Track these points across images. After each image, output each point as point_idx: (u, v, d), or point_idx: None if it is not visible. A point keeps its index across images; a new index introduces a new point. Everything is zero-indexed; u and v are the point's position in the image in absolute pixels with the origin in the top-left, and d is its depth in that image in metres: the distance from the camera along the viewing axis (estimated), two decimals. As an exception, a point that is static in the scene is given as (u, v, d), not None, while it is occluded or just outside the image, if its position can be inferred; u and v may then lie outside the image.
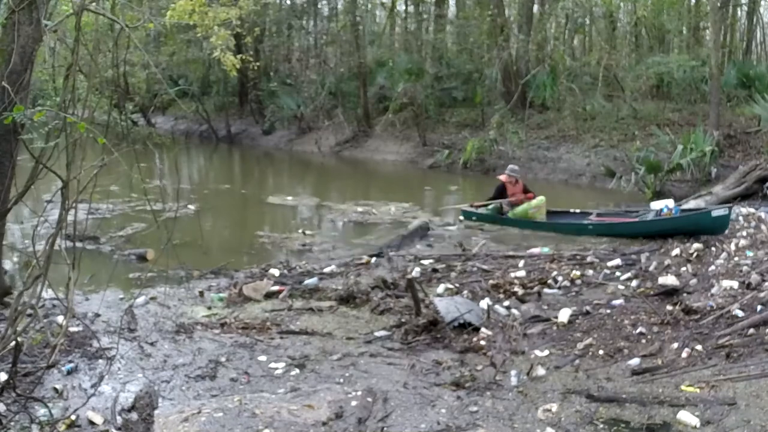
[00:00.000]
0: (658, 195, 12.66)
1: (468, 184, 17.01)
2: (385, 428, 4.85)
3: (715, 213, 10.28)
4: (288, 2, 26.54)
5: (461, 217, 12.13)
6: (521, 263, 9.00)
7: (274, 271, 8.79)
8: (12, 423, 4.66)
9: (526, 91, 19.04)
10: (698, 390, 5.11)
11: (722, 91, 16.38)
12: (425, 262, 9.23)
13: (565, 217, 11.65)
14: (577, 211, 11.86)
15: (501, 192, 11.77)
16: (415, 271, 8.73)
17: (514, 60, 19.75)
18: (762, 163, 12.97)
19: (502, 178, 11.84)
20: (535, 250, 9.82)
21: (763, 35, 23.28)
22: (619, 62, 20.10)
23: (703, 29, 21.94)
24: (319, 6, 26.47)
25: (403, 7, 26.54)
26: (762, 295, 6.68)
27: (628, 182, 13.37)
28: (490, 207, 11.97)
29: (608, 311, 6.99)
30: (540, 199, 11.54)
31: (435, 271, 8.82)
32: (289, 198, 15.01)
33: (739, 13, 22.61)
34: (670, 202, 11.86)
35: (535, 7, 21.54)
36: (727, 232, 9.87)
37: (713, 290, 7.18)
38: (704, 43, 21.24)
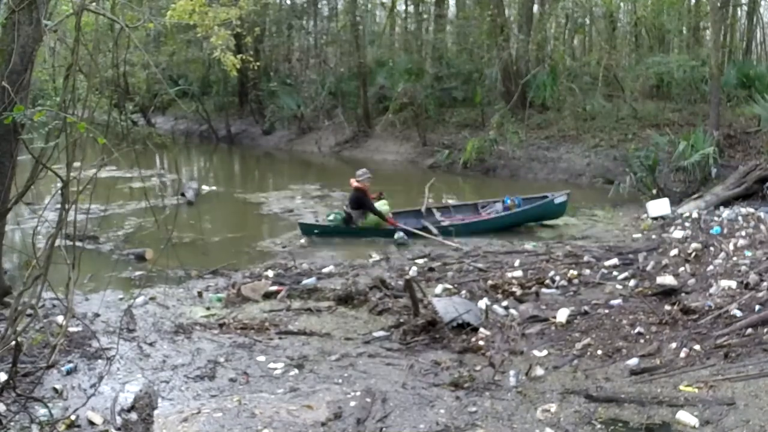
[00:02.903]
0: (657, 195, 12.65)
1: (468, 184, 17.01)
2: (384, 428, 4.86)
3: (558, 200, 11.38)
4: (288, 2, 26.54)
5: (301, 232, 11.08)
6: (517, 262, 9.04)
7: (270, 272, 8.81)
8: (12, 423, 4.67)
9: (526, 91, 19.04)
10: (697, 390, 5.11)
11: (722, 91, 16.36)
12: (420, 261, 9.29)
13: (417, 218, 11.29)
14: (417, 209, 11.53)
15: (363, 202, 10.93)
16: (412, 270, 8.76)
17: (514, 60, 19.74)
18: (762, 163, 12.94)
19: (361, 185, 10.92)
20: (528, 247, 10.02)
21: (763, 35, 23.27)
22: (619, 62, 20.10)
23: (703, 29, 21.94)
24: (319, 6, 26.45)
25: (403, 7, 26.54)
26: (760, 294, 6.68)
27: (625, 184, 13.36)
28: (331, 218, 11.17)
29: (606, 311, 6.99)
30: (387, 205, 11.10)
31: (431, 269, 8.86)
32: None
33: (739, 13, 22.60)
34: (665, 202, 11.90)
35: (535, 7, 21.52)
36: (725, 231, 9.86)
37: (712, 290, 7.17)
38: (704, 43, 21.24)
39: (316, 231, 10.99)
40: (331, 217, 11.29)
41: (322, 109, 22.36)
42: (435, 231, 10.68)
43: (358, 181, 10.99)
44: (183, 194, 14.12)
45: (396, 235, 10.60)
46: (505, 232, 11.07)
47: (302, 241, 11.01)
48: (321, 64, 25.01)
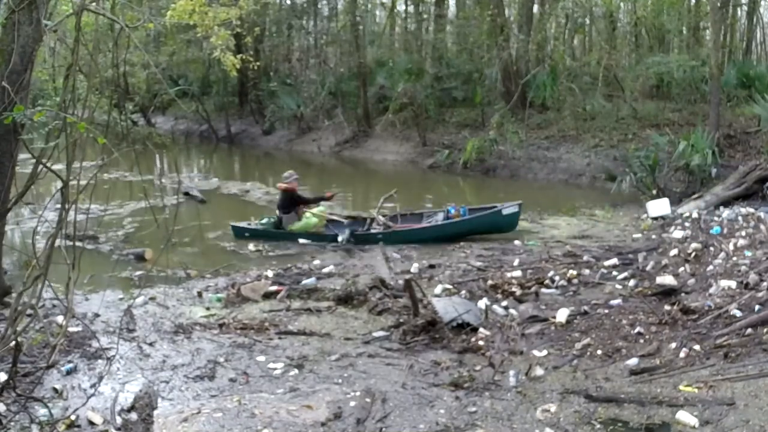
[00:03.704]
0: (657, 195, 12.65)
1: (468, 184, 17.02)
2: (383, 429, 4.86)
3: (506, 211, 10.73)
4: (288, 2, 26.55)
5: (233, 235, 11.02)
6: (516, 262, 9.04)
7: (269, 272, 8.81)
8: (12, 423, 4.67)
9: (526, 91, 19.03)
10: (696, 390, 5.11)
11: (722, 91, 16.34)
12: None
13: (362, 226, 11.24)
14: (340, 219, 11.50)
15: (296, 199, 11.03)
16: (414, 267, 8.77)
17: (514, 60, 19.73)
18: (762, 163, 12.94)
19: (288, 186, 10.99)
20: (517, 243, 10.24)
21: (763, 35, 23.26)
22: (619, 62, 20.09)
23: (703, 29, 21.92)
24: (319, 6, 26.46)
25: (403, 7, 26.53)
26: (760, 294, 6.68)
27: (626, 182, 13.38)
28: (264, 222, 11.24)
29: (606, 311, 6.99)
30: (323, 209, 11.22)
31: (431, 266, 8.87)
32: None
33: (739, 13, 22.58)
34: (665, 202, 11.89)
35: (535, 7, 21.52)
36: (725, 231, 9.87)
37: (711, 290, 7.17)
38: (704, 43, 21.21)
39: (246, 234, 10.99)
40: (264, 221, 11.36)
41: (322, 109, 22.36)
42: (348, 238, 10.53)
43: (285, 183, 11.09)
44: (187, 193, 14.17)
45: (340, 238, 10.56)
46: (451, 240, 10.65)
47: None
48: (321, 64, 25.01)
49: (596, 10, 21.38)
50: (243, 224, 11.34)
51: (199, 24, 14.21)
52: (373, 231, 10.98)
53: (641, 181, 13.40)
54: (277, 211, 11.35)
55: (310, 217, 11.09)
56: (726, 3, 19.52)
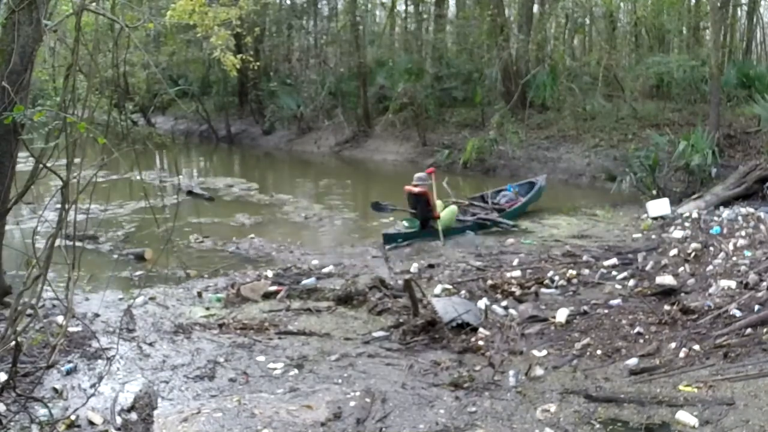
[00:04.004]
0: (657, 195, 12.65)
1: (468, 184, 17.00)
2: (383, 429, 4.87)
3: (543, 183, 13.21)
4: (288, 2, 26.55)
5: (384, 242, 10.57)
6: (516, 262, 9.04)
7: (269, 272, 8.81)
8: (12, 423, 4.67)
9: (526, 91, 19.03)
10: (696, 390, 5.12)
11: (722, 91, 16.32)
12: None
13: (463, 213, 11.88)
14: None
15: (428, 203, 10.84)
16: (413, 267, 8.76)
17: (514, 60, 19.72)
18: (762, 163, 12.94)
19: (420, 189, 10.84)
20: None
21: (763, 35, 23.25)
22: (619, 62, 20.08)
23: (703, 29, 21.90)
24: (319, 6, 26.44)
25: (403, 7, 26.53)
26: (760, 294, 6.69)
27: (626, 183, 13.38)
28: (407, 225, 11.19)
29: (606, 311, 7.00)
30: (453, 207, 11.46)
31: (431, 266, 8.87)
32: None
33: (739, 13, 22.57)
34: (665, 202, 11.89)
35: (535, 7, 21.52)
36: (725, 231, 9.87)
37: (711, 290, 7.18)
38: (704, 43, 21.20)
39: (400, 240, 10.74)
40: (406, 224, 11.24)
41: (322, 109, 22.35)
42: (503, 220, 11.57)
43: (416, 185, 10.90)
44: (191, 192, 14.15)
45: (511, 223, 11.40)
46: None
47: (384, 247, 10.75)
48: (321, 64, 25.01)
49: (596, 10, 21.36)
50: (394, 231, 11.15)
51: (199, 24, 14.23)
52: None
53: (641, 181, 13.39)
54: (412, 213, 11.16)
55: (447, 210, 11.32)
56: (726, 3, 19.50)
